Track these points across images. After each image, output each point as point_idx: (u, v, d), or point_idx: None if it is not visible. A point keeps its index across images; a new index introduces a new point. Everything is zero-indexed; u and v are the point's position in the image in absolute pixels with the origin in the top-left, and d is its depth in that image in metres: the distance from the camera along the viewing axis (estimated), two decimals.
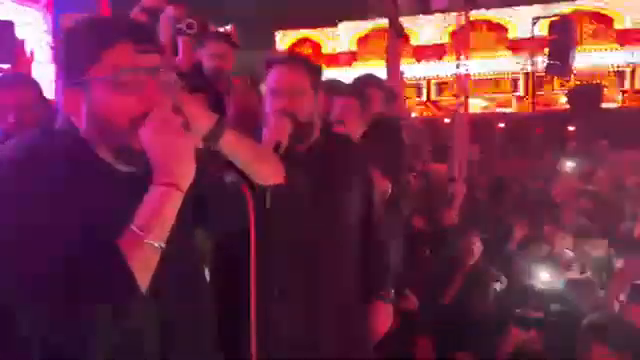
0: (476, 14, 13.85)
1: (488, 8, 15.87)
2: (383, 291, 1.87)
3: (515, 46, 15.89)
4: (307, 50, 18.59)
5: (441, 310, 3.24)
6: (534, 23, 12.40)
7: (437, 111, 16.06)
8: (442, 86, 16.84)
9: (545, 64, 10.67)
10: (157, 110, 0.95)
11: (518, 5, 15.91)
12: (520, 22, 15.59)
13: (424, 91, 17.09)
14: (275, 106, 1.58)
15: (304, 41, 18.98)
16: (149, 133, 0.93)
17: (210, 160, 1.10)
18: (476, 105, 14.87)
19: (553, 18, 11.18)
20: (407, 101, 12.19)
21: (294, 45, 18.84)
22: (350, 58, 18.06)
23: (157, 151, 0.93)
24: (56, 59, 1.03)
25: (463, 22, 9.87)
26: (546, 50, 10.99)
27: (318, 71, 1.69)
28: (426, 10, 16.30)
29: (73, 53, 0.99)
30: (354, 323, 1.73)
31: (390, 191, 2.27)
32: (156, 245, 0.91)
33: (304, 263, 1.62)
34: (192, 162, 0.95)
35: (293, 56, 1.76)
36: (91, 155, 0.98)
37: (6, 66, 2.61)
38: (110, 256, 0.88)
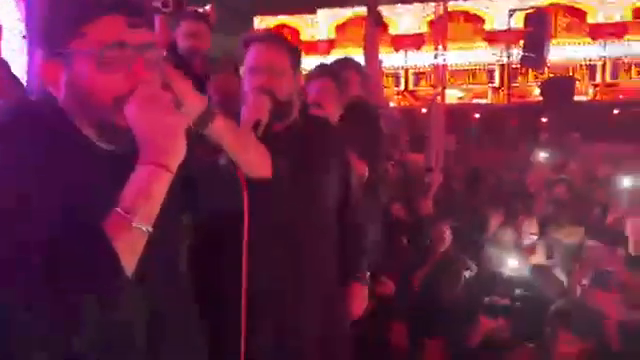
0: (454, 5, 13.90)
1: None
2: (359, 273, 1.90)
3: (491, 38, 16.03)
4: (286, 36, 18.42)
5: (413, 296, 3.30)
6: (510, 15, 12.52)
7: (414, 101, 16.15)
8: (420, 76, 16.91)
9: (520, 56, 10.81)
10: (145, 86, 0.89)
11: None
12: (497, 14, 15.71)
13: (402, 81, 17.15)
14: (254, 84, 1.56)
15: (282, 27, 18.80)
16: (136, 110, 0.87)
17: (200, 141, 1.05)
18: (452, 96, 14.99)
19: (529, 11, 11.30)
20: (385, 90, 12.23)
21: (273, 30, 18.66)
22: (328, 46, 17.97)
23: (145, 129, 0.87)
24: (31, 26, 0.98)
25: (441, 12, 9.91)
26: (521, 42, 11.12)
27: (297, 51, 1.67)
28: (406, 0, 16.29)
29: (55, 22, 0.91)
30: (334, 304, 1.75)
31: (367, 175, 2.29)
32: (144, 229, 0.86)
33: (284, 244, 1.62)
34: (182, 142, 0.89)
35: (272, 34, 1.74)
36: (70, 126, 0.92)
37: None
38: (95, 239, 0.83)
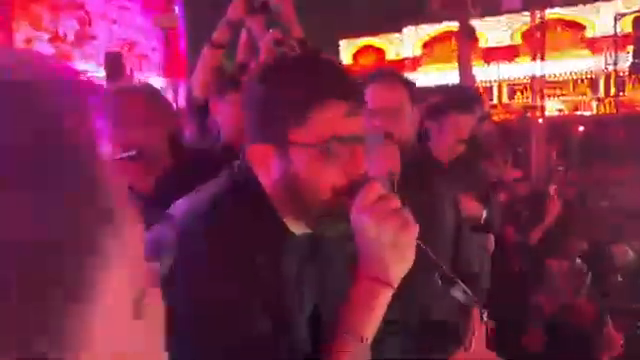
0: (550, 12, 13.15)
1: (562, 6, 15.06)
2: None
3: (594, 45, 14.96)
4: (371, 57, 18.41)
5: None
6: (617, 20, 11.63)
7: (509, 115, 15.40)
8: (515, 88, 16.15)
9: (629, 63, 9.99)
10: (372, 187, 0.80)
11: (596, 1, 15.00)
12: (599, 20, 14.67)
13: (495, 94, 16.44)
14: (376, 128, 1.44)
15: (368, 48, 18.82)
16: (367, 218, 0.78)
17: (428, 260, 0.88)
18: (551, 107, 14.12)
19: (638, 14, 10.43)
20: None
21: (358, 52, 18.73)
22: (414, 63, 17.71)
23: (374, 241, 0.78)
24: (246, 106, 0.88)
25: (538, 21, 9.39)
26: (630, 48, 10.29)
27: (413, 84, 1.56)
28: (496, 11, 15.70)
29: (272, 105, 0.83)
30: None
31: (484, 214, 2.10)
32: (367, 357, 0.80)
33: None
34: (412, 257, 0.81)
35: (387, 71, 1.62)
36: (273, 214, 0.86)
37: None
38: None
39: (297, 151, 0.82)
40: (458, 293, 0.88)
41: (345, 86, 0.83)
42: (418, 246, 0.81)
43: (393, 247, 0.78)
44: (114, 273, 0.30)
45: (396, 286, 0.81)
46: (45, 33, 5.41)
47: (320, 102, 0.81)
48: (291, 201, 0.84)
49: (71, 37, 5.61)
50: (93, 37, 5.90)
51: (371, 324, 0.80)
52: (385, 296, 0.80)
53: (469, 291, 0.88)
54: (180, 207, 0.84)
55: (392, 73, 1.60)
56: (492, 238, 2.53)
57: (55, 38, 5.46)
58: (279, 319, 0.80)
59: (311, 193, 0.82)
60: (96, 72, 5.72)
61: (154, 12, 6.64)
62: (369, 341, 0.80)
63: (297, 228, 0.87)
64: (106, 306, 0.29)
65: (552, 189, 3.68)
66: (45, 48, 5.37)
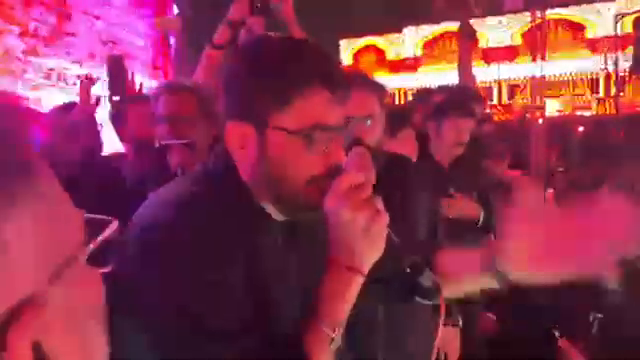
0: (550, 13, 13.15)
1: (563, 6, 15.06)
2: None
3: (594, 45, 14.96)
4: (371, 57, 18.41)
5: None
6: (617, 20, 11.63)
7: (509, 115, 15.41)
8: (514, 89, 16.14)
9: (629, 63, 9.99)
10: (347, 177, 0.80)
11: (596, 2, 15.01)
12: (599, 20, 14.67)
13: (495, 94, 16.44)
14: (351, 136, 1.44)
15: (368, 48, 18.82)
16: (341, 206, 0.79)
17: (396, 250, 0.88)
18: (551, 108, 14.12)
19: (639, 14, 10.44)
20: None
21: (358, 52, 18.73)
22: (415, 63, 17.71)
23: (346, 230, 0.79)
24: (226, 83, 0.87)
25: (539, 21, 9.41)
26: (630, 48, 10.29)
27: (384, 89, 1.54)
28: (498, 12, 15.70)
29: (254, 87, 0.82)
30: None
31: (482, 216, 2.11)
32: (336, 341, 0.80)
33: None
34: (382, 246, 0.81)
35: (359, 75, 1.57)
36: (250, 200, 0.86)
37: (116, 98, 2.68)
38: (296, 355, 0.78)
39: (276, 135, 0.80)
40: (426, 281, 0.88)
41: (329, 73, 0.82)
42: (388, 235, 0.82)
43: (365, 236, 0.79)
44: (22, 212, 0.33)
45: (365, 275, 0.81)
46: (17, 27, 5.20)
47: (303, 88, 0.80)
48: (266, 187, 0.84)
49: (43, 32, 5.45)
50: (70, 33, 5.75)
51: (343, 312, 0.81)
52: (357, 284, 0.81)
53: (437, 279, 0.88)
54: (153, 201, 0.85)
55: (366, 78, 1.56)
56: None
57: (25, 33, 5.34)
58: (264, 311, 0.80)
59: (286, 181, 0.82)
60: (70, 69, 5.59)
61: (143, 9, 6.48)
62: (341, 330, 0.80)
63: (276, 214, 0.87)
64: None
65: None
66: (15, 42, 5.21)
